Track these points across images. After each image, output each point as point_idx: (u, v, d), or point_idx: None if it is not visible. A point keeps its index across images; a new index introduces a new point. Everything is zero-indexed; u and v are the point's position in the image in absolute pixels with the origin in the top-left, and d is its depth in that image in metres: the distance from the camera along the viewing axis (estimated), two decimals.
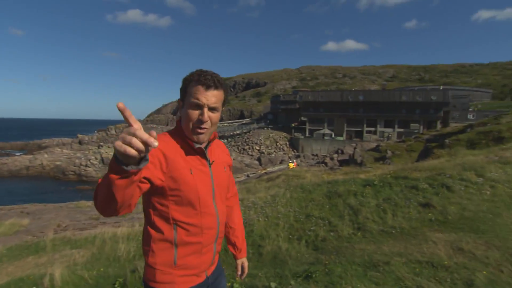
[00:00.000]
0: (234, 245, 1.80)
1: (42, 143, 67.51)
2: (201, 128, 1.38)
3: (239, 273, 1.80)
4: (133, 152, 0.91)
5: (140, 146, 0.90)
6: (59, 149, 55.08)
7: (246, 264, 1.82)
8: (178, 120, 1.49)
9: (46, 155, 48.08)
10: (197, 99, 1.35)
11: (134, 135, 0.90)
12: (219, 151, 1.59)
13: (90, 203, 9.92)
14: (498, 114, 26.23)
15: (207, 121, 1.38)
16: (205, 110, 1.36)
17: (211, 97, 1.37)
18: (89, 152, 50.99)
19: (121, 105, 0.91)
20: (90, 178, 42.75)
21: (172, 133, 1.45)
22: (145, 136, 0.91)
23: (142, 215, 6.40)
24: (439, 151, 15.96)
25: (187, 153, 1.40)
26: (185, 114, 1.40)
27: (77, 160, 45.37)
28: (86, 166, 44.50)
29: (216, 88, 1.38)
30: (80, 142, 63.39)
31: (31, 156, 47.91)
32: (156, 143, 0.91)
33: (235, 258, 1.81)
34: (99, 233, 4.98)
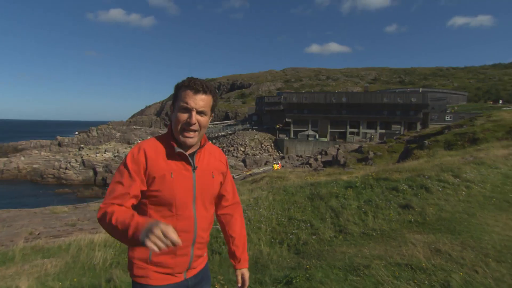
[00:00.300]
0: (233, 255, 1.76)
1: (19, 145, 64.77)
2: (189, 131, 1.45)
3: (239, 285, 1.73)
4: (157, 250, 1.11)
5: (166, 248, 1.13)
6: (36, 152, 53.11)
7: (246, 275, 1.75)
8: (169, 125, 1.57)
9: (22, 158, 46.22)
10: (186, 102, 1.43)
11: (172, 243, 1.13)
12: (210, 157, 1.62)
13: (67, 208, 9.55)
14: (473, 116, 27.28)
15: (195, 124, 1.44)
16: (193, 113, 1.44)
17: (199, 101, 1.44)
18: (69, 154, 49.45)
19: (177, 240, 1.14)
20: (70, 181, 41.43)
21: (160, 137, 1.54)
22: (177, 241, 1.13)
23: None
24: (418, 152, 16.39)
25: (170, 157, 1.47)
26: (175, 117, 1.48)
27: (56, 163, 43.86)
28: (66, 169, 43.09)
29: (205, 93, 1.46)
30: (59, 144, 61.39)
31: (5, 159, 45.92)
32: (180, 243, 1.14)
33: (234, 268, 1.75)
34: (75, 240, 4.77)
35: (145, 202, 1.47)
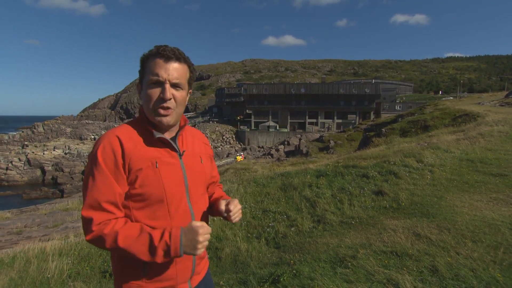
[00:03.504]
0: (214, 202, 1.43)
1: None
2: (164, 109, 1.19)
3: (224, 213, 1.32)
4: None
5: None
6: None
7: (234, 201, 1.34)
8: (140, 108, 1.29)
9: None
10: (156, 74, 1.17)
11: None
12: (193, 140, 1.39)
13: (10, 213, 8.42)
14: (421, 105, 29.35)
15: (170, 99, 1.19)
16: (167, 86, 1.18)
17: (173, 70, 1.19)
18: (10, 153, 44.72)
19: None
20: (12, 182, 37.61)
21: (132, 122, 1.27)
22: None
23: (77, 224, 5.49)
24: (377, 139, 17.14)
25: (150, 144, 1.21)
26: (144, 96, 1.21)
27: None
28: (7, 169, 39.02)
29: (178, 60, 1.21)
30: None
31: None
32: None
33: (218, 207, 1.33)
34: (21, 251, 4.10)
35: (128, 205, 1.19)
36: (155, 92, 1.18)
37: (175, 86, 1.20)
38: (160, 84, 1.18)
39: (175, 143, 1.27)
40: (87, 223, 1.10)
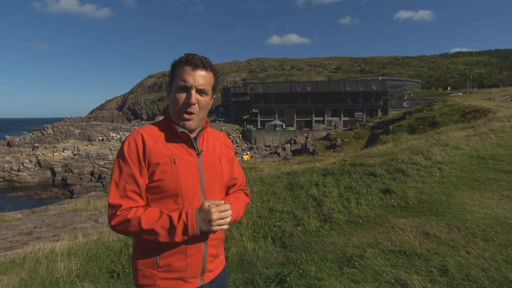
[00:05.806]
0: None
1: None
2: (188, 112, 1.32)
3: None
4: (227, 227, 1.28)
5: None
6: None
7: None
8: (166, 110, 1.43)
9: None
10: (184, 80, 1.31)
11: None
12: (214, 142, 1.47)
13: (21, 214, 8.56)
14: (430, 102, 28.95)
15: (194, 104, 1.31)
16: (193, 92, 1.31)
17: (199, 78, 1.32)
18: (21, 155, 45.46)
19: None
20: (24, 184, 38.22)
21: (157, 123, 1.41)
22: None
23: (85, 225, 5.52)
24: (384, 137, 16.97)
25: (171, 141, 1.33)
26: (172, 99, 1.35)
27: (6, 165, 40.16)
28: (18, 171, 39.66)
29: (205, 68, 1.33)
30: (9, 144, 56.25)
31: None
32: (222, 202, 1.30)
33: None
34: (31, 251, 4.16)
35: (146, 196, 1.31)
36: (182, 96, 1.31)
37: (200, 92, 1.33)
38: (187, 89, 1.31)
39: (196, 142, 1.37)
40: (114, 208, 1.23)
